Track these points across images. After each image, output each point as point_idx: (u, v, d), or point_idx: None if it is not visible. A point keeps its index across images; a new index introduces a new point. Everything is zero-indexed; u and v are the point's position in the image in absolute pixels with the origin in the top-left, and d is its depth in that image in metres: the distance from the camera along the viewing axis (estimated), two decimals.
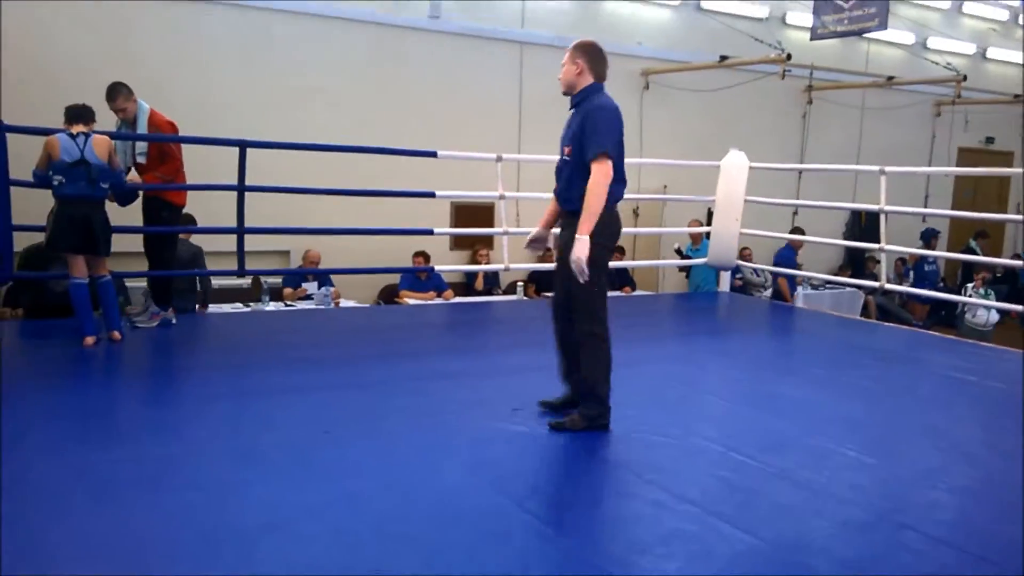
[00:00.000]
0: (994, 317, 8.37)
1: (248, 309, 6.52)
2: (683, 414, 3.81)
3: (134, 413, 3.70)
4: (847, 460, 3.30)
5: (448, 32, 8.76)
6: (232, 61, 7.82)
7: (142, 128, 4.96)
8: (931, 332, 6.96)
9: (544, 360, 4.84)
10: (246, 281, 7.12)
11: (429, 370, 4.53)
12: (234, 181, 5.24)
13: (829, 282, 9.31)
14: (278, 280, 7.39)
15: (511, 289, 8.46)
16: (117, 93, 4.91)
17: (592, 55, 3.38)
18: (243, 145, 5.23)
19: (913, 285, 10.39)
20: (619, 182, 3.34)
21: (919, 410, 4.13)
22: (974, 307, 8.32)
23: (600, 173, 3.24)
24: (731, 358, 5.24)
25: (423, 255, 8.04)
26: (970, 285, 8.76)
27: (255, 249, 6.87)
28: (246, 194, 5.31)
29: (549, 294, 8.35)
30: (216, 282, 6.81)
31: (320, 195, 6.10)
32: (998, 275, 11.19)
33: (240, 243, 5.39)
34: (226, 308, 6.43)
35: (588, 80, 3.38)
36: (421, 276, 8.03)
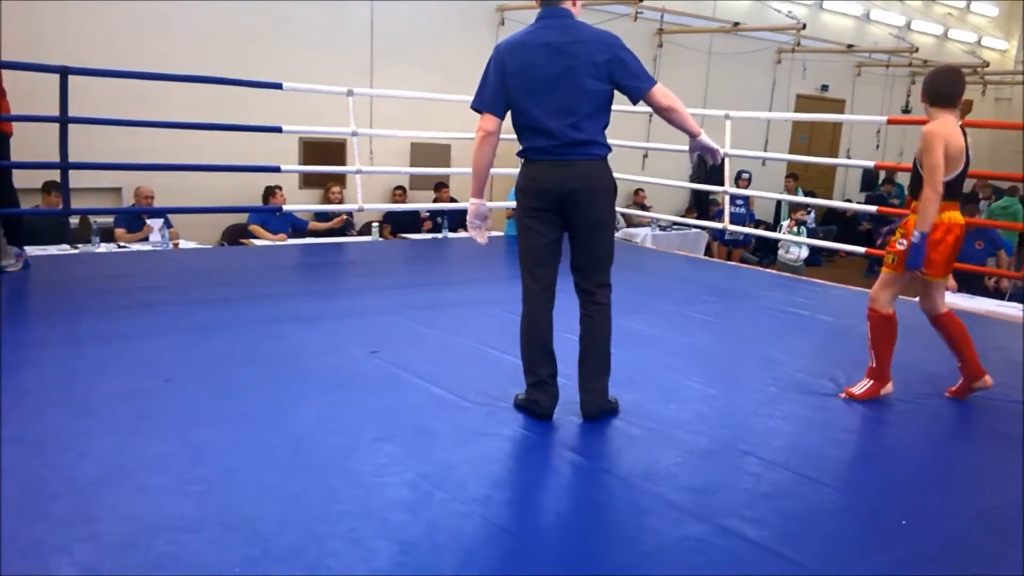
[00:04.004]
0: (804, 253, 8.97)
1: (76, 251, 6.04)
2: None
3: None
4: (693, 392, 3.45)
5: None
6: None
7: None
8: (768, 270, 7.38)
9: (402, 302, 4.79)
10: (73, 220, 6.58)
11: (280, 313, 4.36)
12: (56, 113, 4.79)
13: (676, 223, 9.66)
14: (109, 220, 6.87)
15: (366, 230, 8.27)
16: None
17: None
18: (65, 72, 4.77)
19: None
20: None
21: (758, 343, 4.36)
22: (787, 243, 8.93)
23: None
24: None
25: (274, 191, 7.75)
26: (784, 224, 9.33)
27: (82, 186, 6.36)
28: (71, 127, 4.87)
29: (410, 235, 8.37)
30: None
31: (154, 128, 5.68)
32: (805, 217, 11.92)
33: (64, 179, 4.96)
34: (52, 250, 5.93)
35: None
36: (277, 214, 7.70)
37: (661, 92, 2.91)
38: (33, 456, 2.48)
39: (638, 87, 2.88)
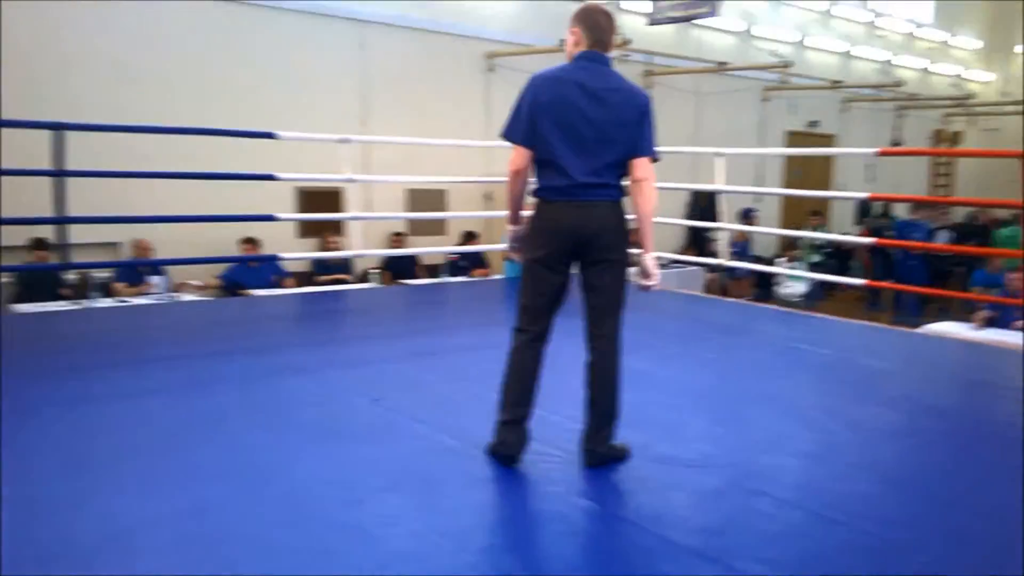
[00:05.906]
0: (802, 289, 8.96)
1: (78, 307, 6.02)
2: (542, 393, 3.79)
3: None
4: (699, 431, 3.42)
5: (287, 9, 8.40)
6: (62, 44, 7.16)
7: None
8: (765, 305, 7.38)
9: (403, 349, 4.77)
10: (73, 276, 6.57)
11: (281, 364, 4.33)
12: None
13: (675, 261, 9.66)
14: (107, 274, 6.86)
15: (364, 277, 8.26)
16: None
17: (584, 19, 2.89)
18: (59, 128, 4.80)
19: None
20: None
21: (761, 379, 4.34)
22: (783, 278, 8.94)
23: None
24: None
25: (251, 241, 7.72)
26: (783, 259, 9.34)
27: (79, 241, 6.36)
28: (68, 182, 4.88)
29: (409, 281, 8.38)
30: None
31: (150, 179, 5.70)
32: (826, 250, 11.94)
33: (62, 234, 4.96)
34: (51, 306, 5.91)
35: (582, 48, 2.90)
36: (252, 264, 7.68)
37: (647, 166, 2.89)
38: (32, 516, 2.43)
39: (640, 151, 2.87)
